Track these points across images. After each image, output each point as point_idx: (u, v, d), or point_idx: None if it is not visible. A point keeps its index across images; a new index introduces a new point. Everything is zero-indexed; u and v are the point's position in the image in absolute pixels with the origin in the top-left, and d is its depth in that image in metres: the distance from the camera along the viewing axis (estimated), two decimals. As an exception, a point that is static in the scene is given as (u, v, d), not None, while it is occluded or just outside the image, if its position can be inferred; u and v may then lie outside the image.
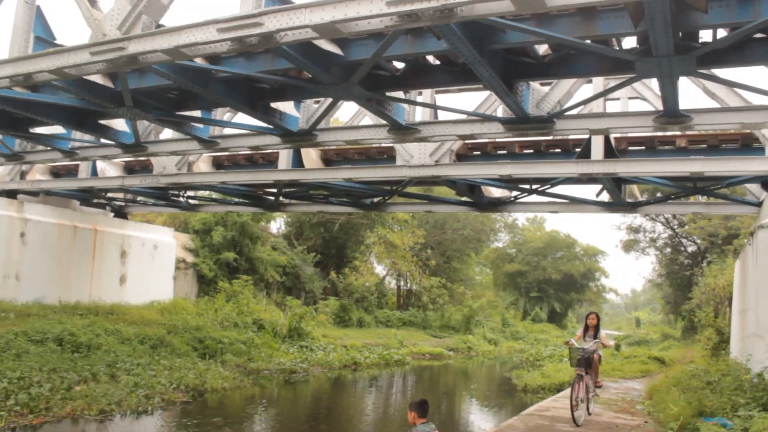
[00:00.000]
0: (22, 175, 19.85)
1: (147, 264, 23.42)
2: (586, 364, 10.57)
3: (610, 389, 15.80)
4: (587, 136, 11.59)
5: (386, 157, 14.42)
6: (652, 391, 13.88)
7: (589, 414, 11.04)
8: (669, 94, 8.09)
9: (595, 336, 11.06)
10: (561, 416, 11.21)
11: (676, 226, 39.10)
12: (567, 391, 15.74)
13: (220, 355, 18.28)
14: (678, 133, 11.75)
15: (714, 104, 9.27)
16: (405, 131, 10.46)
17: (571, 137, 12.77)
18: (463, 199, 16.01)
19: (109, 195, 21.48)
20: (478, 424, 14.64)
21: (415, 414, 6.78)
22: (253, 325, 23.32)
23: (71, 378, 12.48)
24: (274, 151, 15.19)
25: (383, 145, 14.41)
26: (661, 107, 8.99)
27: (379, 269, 43.32)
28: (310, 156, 15.04)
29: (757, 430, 4.73)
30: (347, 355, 23.56)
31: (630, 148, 12.50)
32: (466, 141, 12.87)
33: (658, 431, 9.92)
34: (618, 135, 12.23)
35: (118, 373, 13.67)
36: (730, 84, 8.41)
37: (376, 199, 17.29)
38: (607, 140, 11.63)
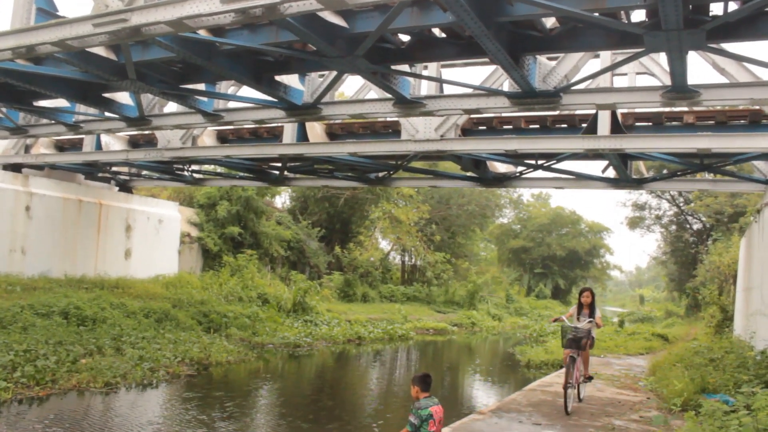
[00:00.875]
0: (27, 149, 19.83)
1: (152, 238, 23.48)
2: (579, 344, 9.69)
3: (613, 366, 15.86)
4: (594, 112, 11.49)
5: (391, 131, 14.34)
6: (655, 368, 13.93)
7: (580, 400, 10.32)
8: (677, 68, 7.97)
9: (591, 315, 10.11)
10: (562, 391, 11.25)
11: (681, 204, 38.97)
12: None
13: (225, 329, 18.40)
14: (686, 109, 11.63)
15: (723, 80, 9.15)
16: (410, 105, 10.37)
17: (577, 112, 12.67)
18: (469, 174, 15.94)
19: (114, 169, 21.46)
20: (482, 399, 14.72)
21: (417, 388, 6.80)
22: (258, 299, 23.43)
23: (77, 351, 12.57)
24: (279, 125, 15.12)
25: (388, 119, 14.32)
26: (669, 82, 8.88)
27: (384, 244, 43.40)
28: (315, 130, 14.96)
29: (760, 407, 4.72)
30: (351, 330, 23.68)
31: (637, 124, 12.39)
32: (472, 116, 12.76)
33: (661, 407, 9.95)
34: (625, 111, 12.11)
35: (123, 347, 13.77)
36: (740, 59, 8.28)
37: (380, 174, 17.22)
38: (613, 116, 11.52)
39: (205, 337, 16.71)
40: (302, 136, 14.69)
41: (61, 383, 11.09)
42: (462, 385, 17.50)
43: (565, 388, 9.26)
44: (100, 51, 9.85)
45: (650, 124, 12.34)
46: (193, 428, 9.58)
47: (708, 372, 10.59)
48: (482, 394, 15.74)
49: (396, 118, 13.17)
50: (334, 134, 15.30)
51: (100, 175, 22.14)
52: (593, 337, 10.18)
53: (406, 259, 44.49)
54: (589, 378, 10.72)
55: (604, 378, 13.38)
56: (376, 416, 11.60)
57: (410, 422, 6.67)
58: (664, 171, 18.67)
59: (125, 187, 23.45)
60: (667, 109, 12.01)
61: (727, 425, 4.89)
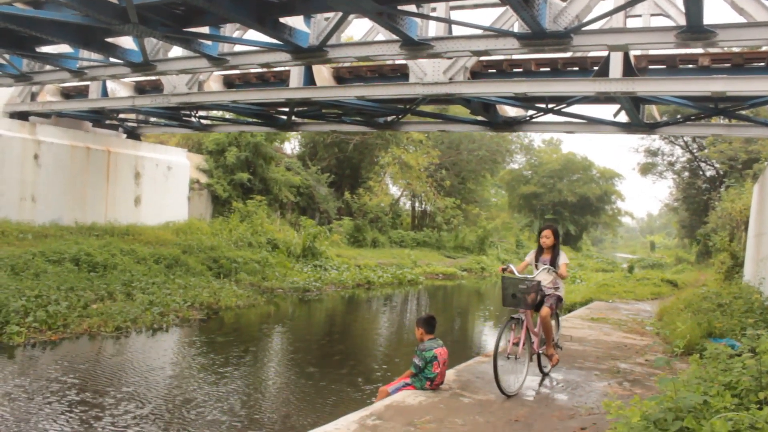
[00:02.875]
0: (33, 96, 19.71)
1: (161, 185, 23.50)
2: (529, 303, 6.97)
3: (621, 310, 15.92)
4: (606, 54, 11.21)
5: (399, 74, 14.12)
6: (663, 313, 13.96)
7: (544, 379, 7.73)
8: (693, 7, 7.71)
9: (553, 262, 7.53)
10: (569, 335, 11.32)
11: (695, 150, 38.51)
12: (578, 311, 15.97)
13: (235, 274, 18.55)
14: (701, 50, 11.32)
15: (741, 20, 8.86)
16: (417, 47, 10.15)
17: (589, 55, 12.38)
18: (478, 118, 15.72)
19: (121, 116, 21.33)
20: (490, 343, 14.86)
21: (422, 330, 6.86)
22: (267, 244, 23.57)
23: (88, 296, 12.74)
24: (286, 69, 14.91)
25: (396, 62, 14.10)
26: (684, 23, 8.61)
27: (394, 190, 43.39)
28: (322, 74, 14.75)
29: (765, 350, 4.70)
30: (361, 275, 23.86)
31: (650, 66, 12.08)
32: (481, 58, 12.50)
33: (667, 351, 9.99)
34: (638, 53, 11.81)
35: (134, 292, 13.93)
36: (759, -4, 8.01)
37: (389, 118, 17.03)
38: (626, 58, 11.23)
39: (214, 283, 16.87)
40: (309, 80, 14.49)
41: (72, 328, 11.28)
42: (470, 329, 17.67)
43: (495, 358, 6.44)
44: (101, -7, 9.66)
45: (664, 66, 12.03)
46: (203, 371, 9.73)
47: (715, 317, 10.59)
48: (490, 338, 15.88)
49: (404, 61, 12.94)
50: (341, 78, 15.09)
51: (107, 122, 22.03)
52: (559, 295, 7.58)
53: (416, 204, 44.52)
54: (551, 358, 7.80)
55: (612, 322, 13.44)
56: (384, 359, 11.75)
57: (414, 364, 6.74)
58: (678, 116, 18.32)
59: (133, 134, 23.36)
60: (681, 51, 11.70)
61: (730, 368, 4.86)
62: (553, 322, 7.64)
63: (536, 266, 7.68)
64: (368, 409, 6.02)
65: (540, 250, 7.77)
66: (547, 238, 7.63)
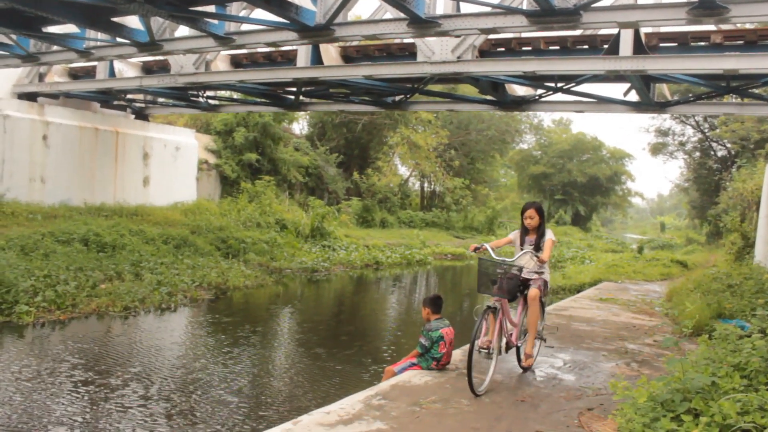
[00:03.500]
0: (41, 77, 19.71)
1: (170, 165, 23.52)
2: (508, 289, 6.18)
3: (630, 291, 15.86)
4: (616, 31, 11.05)
5: (407, 53, 14.02)
6: (672, 293, 13.89)
7: (532, 375, 6.89)
8: (706, -18, 7.57)
9: (538, 246, 6.66)
10: (577, 315, 11.29)
11: (706, 130, 38.10)
12: (587, 291, 15.92)
13: (243, 254, 18.58)
14: (713, 27, 11.15)
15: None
16: (425, 25, 10.04)
17: (599, 33, 12.22)
18: (487, 97, 15.59)
19: (129, 96, 21.30)
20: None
21: (428, 310, 6.83)
22: (276, 225, 23.61)
23: (96, 276, 12.79)
24: (293, 48, 14.84)
25: (404, 41, 13.97)
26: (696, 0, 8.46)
27: (403, 170, 43.27)
28: (330, 53, 14.64)
29: (775, 331, 4.66)
30: (369, 255, 23.87)
31: (661, 44, 11.91)
32: (490, 36, 12.36)
33: (676, 332, 9.94)
34: (649, 30, 11.64)
35: (142, 272, 13.97)
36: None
37: (397, 98, 16.93)
38: (636, 36, 11.07)
39: (223, 263, 16.91)
40: (316, 60, 14.40)
41: (81, 307, 11.34)
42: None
43: (470, 353, 5.78)
44: (105, -29, 9.58)
45: (675, 44, 11.86)
46: (210, 351, 9.77)
47: (725, 298, 10.51)
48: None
49: (411, 40, 12.83)
50: (349, 57, 14.98)
51: (115, 103, 22.00)
52: (545, 279, 6.78)
53: (425, 184, 44.42)
54: (539, 341, 7.19)
55: (620, 303, 13.39)
56: (391, 340, 11.75)
57: (421, 344, 6.72)
58: (690, 95, 18.11)
59: (141, 115, 23.34)
60: (693, 28, 11.51)
61: (740, 349, 4.82)
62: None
63: (521, 248, 6.77)
64: (374, 388, 6.01)
65: (524, 231, 6.81)
66: (531, 219, 6.69)
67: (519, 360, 6.88)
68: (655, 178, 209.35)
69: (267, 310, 14.29)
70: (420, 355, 6.74)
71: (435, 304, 6.82)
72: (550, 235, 6.70)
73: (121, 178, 21.45)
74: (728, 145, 36.37)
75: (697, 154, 40.94)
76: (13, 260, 12.19)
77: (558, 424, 5.20)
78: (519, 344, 6.74)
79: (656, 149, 42.88)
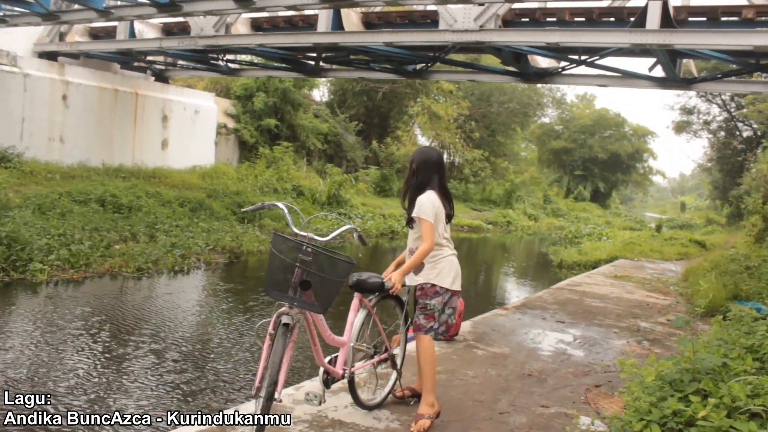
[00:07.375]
0: (62, 37, 19.70)
1: (188, 129, 23.52)
2: (311, 293, 3.75)
3: (646, 269, 15.72)
4: (644, 3, 10.77)
5: (429, 21, 13.82)
6: (688, 273, 13.74)
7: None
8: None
9: (409, 222, 4.50)
10: (591, 291, 11.21)
11: (733, 109, 37.34)
12: (602, 268, 15.79)
13: (258, 219, 18.59)
14: (745, 2, 10.83)
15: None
16: (447, -8, 9.86)
17: (627, 5, 11.95)
18: (509, 68, 15.35)
19: (149, 58, 21.25)
20: (510, 296, 14.80)
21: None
22: (293, 191, 23.62)
23: (111, 237, 12.85)
24: (314, 12, 14.69)
25: (426, 8, 13.78)
26: (728, -30, 8.20)
27: (422, 140, 42.97)
28: (351, 19, 14.47)
29: (791, 314, 4.55)
30: (385, 224, 23.85)
31: (690, 18, 11.60)
32: (514, 5, 12.13)
33: (690, 312, 9.83)
34: (678, 3, 11.35)
35: (157, 234, 14.02)
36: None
37: (418, 66, 16.71)
38: (665, 8, 10.77)
39: (238, 227, 16.94)
40: (338, 25, 14.24)
41: (94, 267, 11.40)
42: (493, 282, 17.60)
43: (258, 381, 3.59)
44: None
45: (704, 19, 11.55)
46: (222, 314, 9.82)
47: (742, 279, 10.37)
48: (512, 291, 15.81)
49: (434, 7, 12.63)
50: (370, 23, 14.80)
51: (135, 64, 21.97)
52: (429, 283, 4.54)
53: (444, 155, 44.13)
54: (385, 361, 4.85)
55: (635, 281, 13.27)
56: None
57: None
58: (717, 73, 17.72)
59: (161, 77, 23.30)
60: (723, 2, 11.21)
61: (754, 331, 4.71)
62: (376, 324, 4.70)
63: (411, 229, 4.56)
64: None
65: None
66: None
67: (328, 384, 4.26)
68: (677, 157, 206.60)
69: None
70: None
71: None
72: (424, 201, 4.29)
73: (139, 140, 21.50)
74: (755, 126, 35.65)
75: (722, 133, 40.20)
76: (29, 218, 12.27)
77: (564, 399, 5.16)
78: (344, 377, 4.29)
79: (680, 127, 42.17)
